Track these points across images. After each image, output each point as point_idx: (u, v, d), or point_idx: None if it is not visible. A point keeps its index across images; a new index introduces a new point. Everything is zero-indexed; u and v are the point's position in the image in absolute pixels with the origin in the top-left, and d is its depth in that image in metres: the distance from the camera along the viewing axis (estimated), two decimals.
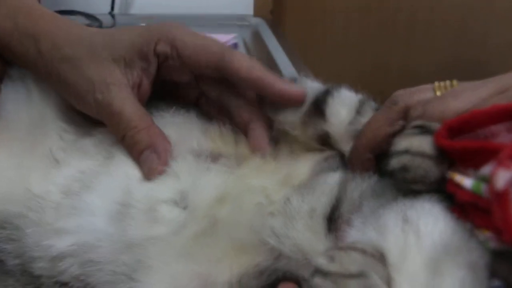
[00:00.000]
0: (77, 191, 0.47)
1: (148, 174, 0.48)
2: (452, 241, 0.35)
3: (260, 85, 0.49)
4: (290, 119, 0.49)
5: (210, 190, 0.46)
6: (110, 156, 0.50)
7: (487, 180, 0.33)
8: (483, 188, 0.33)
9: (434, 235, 0.35)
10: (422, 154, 0.37)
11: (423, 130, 0.39)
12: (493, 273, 0.33)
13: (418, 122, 0.40)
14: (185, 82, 0.54)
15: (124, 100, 0.50)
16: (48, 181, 0.49)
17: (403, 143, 0.39)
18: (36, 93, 0.55)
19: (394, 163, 0.38)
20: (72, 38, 0.53)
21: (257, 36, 1.40)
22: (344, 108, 0.48)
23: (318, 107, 0.48)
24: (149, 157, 0.48)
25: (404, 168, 0.38)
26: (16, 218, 0.47)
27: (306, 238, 0.42)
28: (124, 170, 0.49)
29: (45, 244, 0.45)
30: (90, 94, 0.50)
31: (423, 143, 0.38)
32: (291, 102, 0.49)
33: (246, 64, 0.49)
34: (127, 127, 0.49)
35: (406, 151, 0.38)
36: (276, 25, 1.48)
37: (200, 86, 0.54)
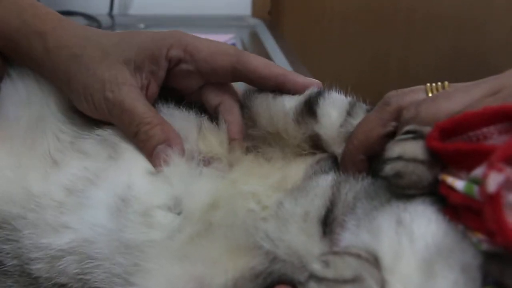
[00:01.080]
0: (82, 188, 0.48)
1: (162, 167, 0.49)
2: (445, 242, 0.35)
3: (282, 81, 0.51)
4: (288, 104, 0.50)
5: (203, 195, 0.46)
6: (113, 155, 0.50)
7: (479, 182, 0.33)
8: (475, 190, 0.33)
9: (427, 237, 0.35)
10: (415, 160, 0.37)
11: (416, 135, 0.39)
12: (485, 273, 0.33)
13: (411, 127, 0.40)
14: (191, 89, 0.54)
15: (135, 99, 0.51)
16: (49, 182, 0.49)
17: (396, 149, 0.38)
18: (35, 93, 0.55)
19: (388, 169, 0.38)
20: (80, 38, 0.53)
21: (255, 37, 1.40)
22: (335, 110, 0.48)
23: (311, 108, 0.49)
24: (163, 150, 0.49)
25: (398, 175, 0.38)
26: (14, 220, 0.47)
27: (300, 242, 0.42)
28: (127, 169, 0.49)
29: (44, 243, 0.45)
30: (100, 93, 0.51)
31: (416, 149, 0.38)
32: None
33: (263, 63, 0.51)
34: (141, 123, 0.50)
35: (399, 157, 0.38)
36: (274, 26, 1.49)
37: (202, 94, 0.55)
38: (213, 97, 0.54)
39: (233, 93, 0.54)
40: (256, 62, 0.51)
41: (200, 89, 0.54)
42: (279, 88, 0.51)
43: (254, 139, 0.51)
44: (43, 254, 0.45)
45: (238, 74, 0.51)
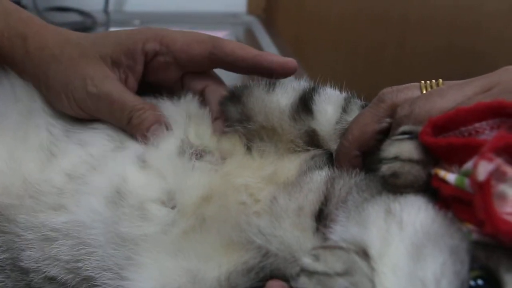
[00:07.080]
0: (83, 173, 0.48)
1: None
2: (433, 227, 0.35)
3: (259, 61, 0.52)
4: (284, 101, 0.50)
5: (196, 190, 0.47)
6: (119, 146, 0.51)
7: (470, 173, 0.33)
8: (466, 182, 0.34)
9: (416, 223, 0.35)
10: (411, 160, 0.38)
11: (412, 136, 0.39)
12: (473, 258, 0.34)
13: (407, 128, 0.40)
14: (170, 82, 0.55)
15: (121, 90, 0.52)
16: (48, 171, 0.49)
17: (392, 149, 0.39)
18: (21, 88, 0.56)
19: (385, 169, 0.38)
20: (61, 39, 0.54)
21: (250, 34, 1.40)
22: (330, 105, 0.48)
23: (306, 104, 0.49)
24: (157, 129, 0.51)
25: (395, 175, 0.38)
26: (7, 209, 0.47)
27: (294, 237, 0.42)
28: (123, 161, 0.49)
29: (40, 221, 0.46)
30: (82, 89, 0.52)
31: (412, 149, 0.38)
32: (287, 70, 0.53)
33: (238, 46, 0.53)
34: (134, 109, 0.51)
35: (396, 158, 0.38)
36: (269, 23, 1.49)
37: (183, 83, 0.55)
38: (196, 83, 0.55)
39: (216, 77, 0.55)
40: (231, 45, 0.52)
41: (180, 79, 0.55)
42: (257, 68, 0.52)
43: (248, 132, 0.51)
44: (36, 234, 0.46)
45: (215, 59, 0.53)
